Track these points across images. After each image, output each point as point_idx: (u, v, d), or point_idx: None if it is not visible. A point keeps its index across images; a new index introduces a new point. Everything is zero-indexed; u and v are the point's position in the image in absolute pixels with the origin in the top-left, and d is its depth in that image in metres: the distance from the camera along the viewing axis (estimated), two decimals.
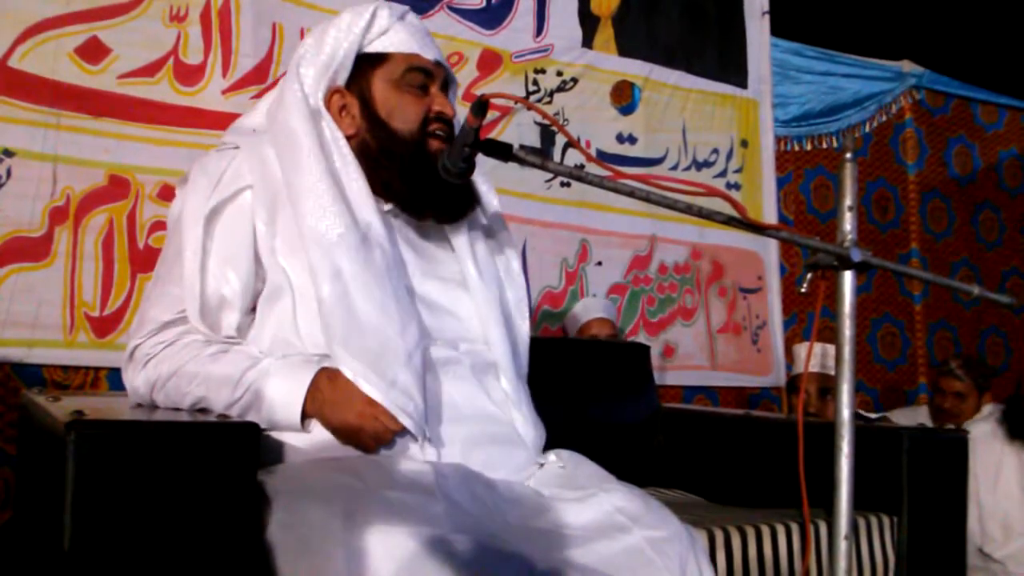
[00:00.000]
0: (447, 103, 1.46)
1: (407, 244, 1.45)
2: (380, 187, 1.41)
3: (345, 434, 1.29)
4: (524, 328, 1.54)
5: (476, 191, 1.51)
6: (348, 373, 1.28)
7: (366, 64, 1.45)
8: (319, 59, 1.44)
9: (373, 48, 1.45)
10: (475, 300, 1.45)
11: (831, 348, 2.54)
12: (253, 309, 1.39)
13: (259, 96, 2.46)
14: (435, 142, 1.43)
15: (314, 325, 1.33)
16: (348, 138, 1.43)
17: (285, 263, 1.35)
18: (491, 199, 1.56)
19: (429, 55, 1.46)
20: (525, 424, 1.43)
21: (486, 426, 1.37)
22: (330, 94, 1.44)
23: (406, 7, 1.52)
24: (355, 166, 1.40)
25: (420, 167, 1.41)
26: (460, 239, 1.49)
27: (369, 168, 1.41)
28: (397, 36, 1.45)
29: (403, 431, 1.29)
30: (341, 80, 1.45)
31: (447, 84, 1.51)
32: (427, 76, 1.45)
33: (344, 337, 1.30)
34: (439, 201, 1.44)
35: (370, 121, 1.44)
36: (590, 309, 2.90)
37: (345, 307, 1.30)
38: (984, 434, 2.87)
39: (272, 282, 1.37)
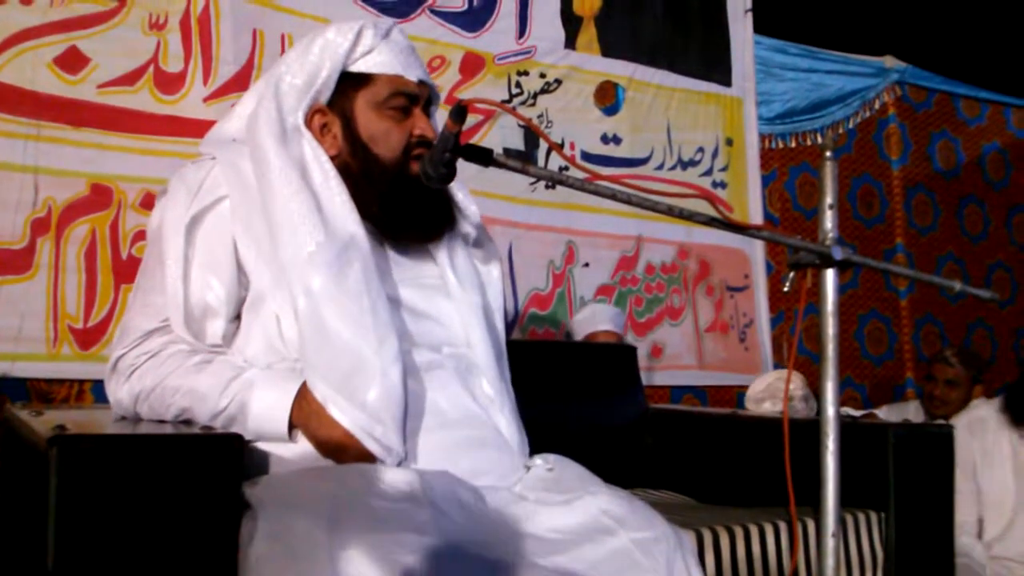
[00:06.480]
0: (428, 125, 1.45)
1: (390, 252, 1.45)
2: (360, 208, 1.40)
3: (330, 448, 1.29)
4: (502, 333, 1.54)
5: (454, 206, 1.51)
6: (317, 395, 1.28)
7: (349, 84, 1.43)
8: (301, 77, 1.43)
9: (357, 68, 1.43)
10: (456, 305, 1.46)
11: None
12: (238, 317, 1.38)
13: None
14: (416, 165, 1.40)
15: (295, 332, 1.32)
16: (331, 158, 1.41)
17: (263, 274, 1.35)
18: (468, 205, 1.55)
19: (413, 76, 1.45)
20: (509, 427, 1.43)
21: (472, 430, 1.37)
22: (312, 113, 1.43)
23: (392, 22, 1.51)
24: (338, 181, 1.39)
25: (400, 192, 1.42)
26: (440, 248, 1.49)
27: (350, 187, 1.40)
28: (381, 56, 1.43)
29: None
30: (323, 99, 1.44)
31: (430, 102, 1.50)
32: (410, 99, 1.45)
33: (313, 358, 1.29)
34: (417, 224, 1.45)
35: (352, 144, 1.43)
36: (601, 319, 2.83)
37: (315, 327, 1.29)
38: (979, 419, 2.86)
39: (255, 289, 1.36)
